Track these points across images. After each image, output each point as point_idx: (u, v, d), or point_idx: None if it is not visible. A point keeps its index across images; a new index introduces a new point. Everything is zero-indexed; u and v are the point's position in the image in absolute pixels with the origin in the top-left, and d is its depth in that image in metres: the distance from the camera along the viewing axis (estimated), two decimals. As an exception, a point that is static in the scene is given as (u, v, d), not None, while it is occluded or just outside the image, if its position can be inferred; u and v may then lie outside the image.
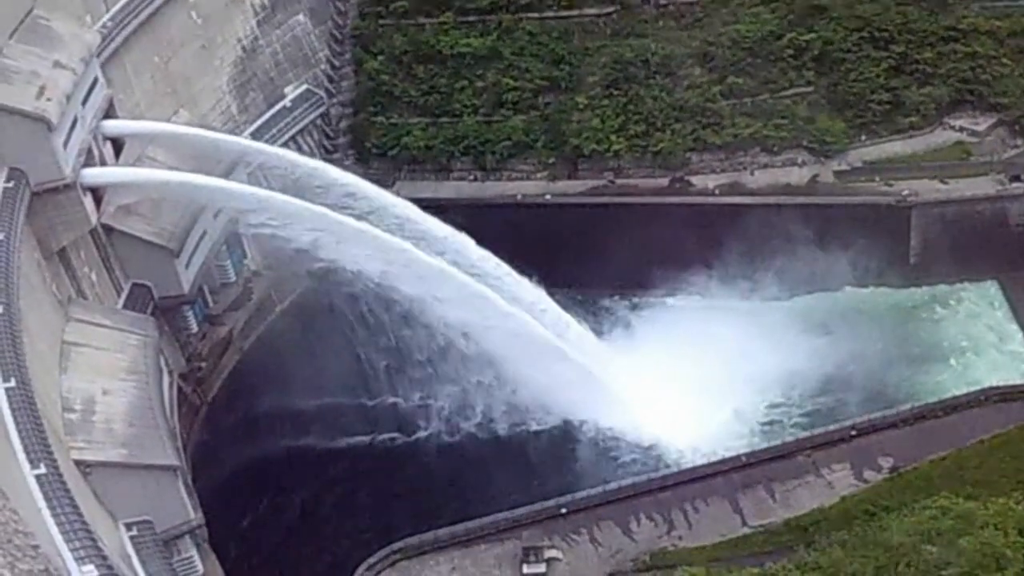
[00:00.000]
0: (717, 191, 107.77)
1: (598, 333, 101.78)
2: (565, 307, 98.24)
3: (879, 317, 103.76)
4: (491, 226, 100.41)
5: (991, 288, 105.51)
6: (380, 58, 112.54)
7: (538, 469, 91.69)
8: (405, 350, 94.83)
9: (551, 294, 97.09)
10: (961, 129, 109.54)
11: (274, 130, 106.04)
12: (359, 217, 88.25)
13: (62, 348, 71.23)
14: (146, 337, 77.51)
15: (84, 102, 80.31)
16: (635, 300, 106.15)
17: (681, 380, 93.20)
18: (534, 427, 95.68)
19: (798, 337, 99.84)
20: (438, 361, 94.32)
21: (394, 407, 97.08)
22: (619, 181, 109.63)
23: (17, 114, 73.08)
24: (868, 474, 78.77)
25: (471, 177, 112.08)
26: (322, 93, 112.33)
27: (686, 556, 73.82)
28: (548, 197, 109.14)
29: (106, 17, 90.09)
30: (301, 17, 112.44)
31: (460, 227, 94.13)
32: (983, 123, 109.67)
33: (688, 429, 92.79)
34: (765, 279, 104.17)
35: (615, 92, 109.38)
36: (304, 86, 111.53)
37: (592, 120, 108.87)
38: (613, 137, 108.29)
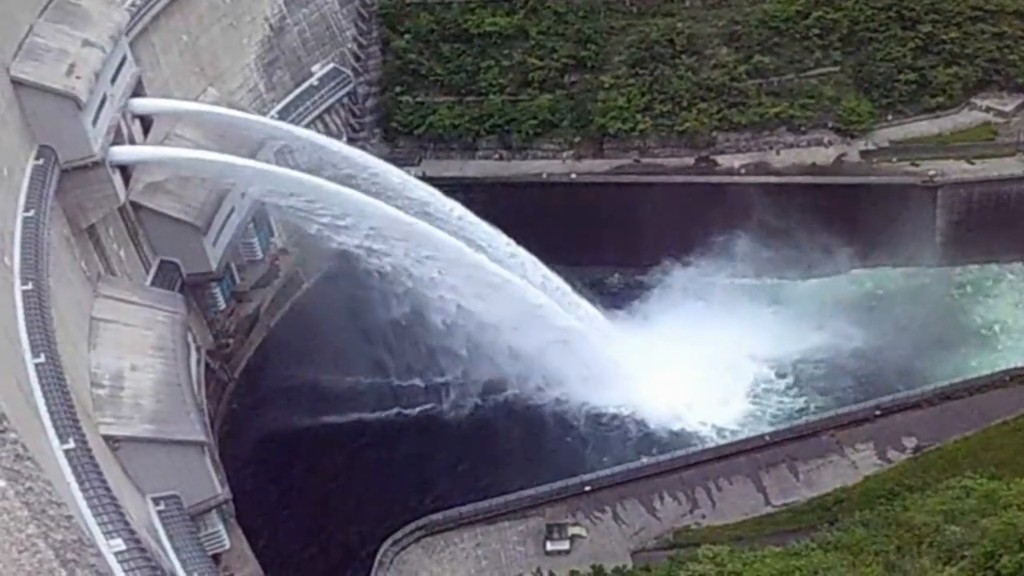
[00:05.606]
0: (743, 171, 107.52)
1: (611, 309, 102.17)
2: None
3: (905, 298, 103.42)
4: (516, 205, 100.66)
5: (1017, 269, 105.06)
6: (407, 37, 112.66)
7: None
8: (430, 328, 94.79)
9: (574, 272, 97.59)
10: (988, 109, 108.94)
11: (301, 108, 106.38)
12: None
13: (91, 324, 71.96)
14: (174, 314, 78.23)
15: (113, 80, 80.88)
16: (664, 279, 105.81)
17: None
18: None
19: (822, 317, 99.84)
20: (461, 339, 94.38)
21: (419, 384, 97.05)
22: (644, 160, 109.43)
23: (47, 92, 73.66)
24: (892, 454, 79.03)
25: (496, 156, 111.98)
26: (349, 72, 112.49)
27: (709, 534, 74.06)
28: (573, 176, 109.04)
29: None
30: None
31: (485, 206, 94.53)
32: (1010, 103, 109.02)
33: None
34: (790, 259, 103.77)
35: (641, 71, 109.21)
36: (331, 65, 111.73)
37: (618, 99, 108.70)
38: (639, 116, 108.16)
